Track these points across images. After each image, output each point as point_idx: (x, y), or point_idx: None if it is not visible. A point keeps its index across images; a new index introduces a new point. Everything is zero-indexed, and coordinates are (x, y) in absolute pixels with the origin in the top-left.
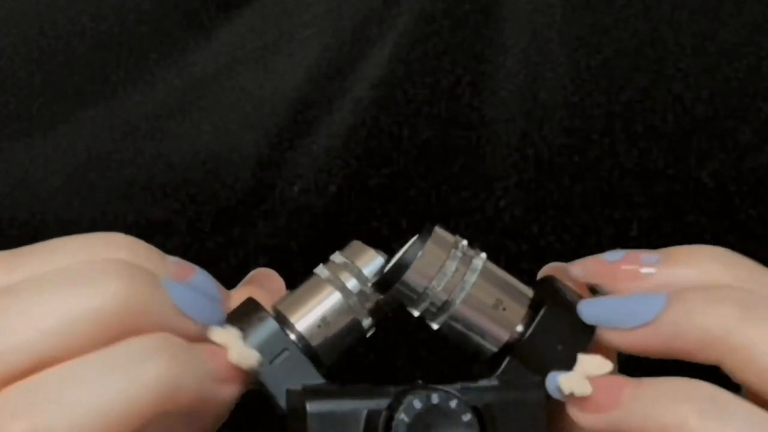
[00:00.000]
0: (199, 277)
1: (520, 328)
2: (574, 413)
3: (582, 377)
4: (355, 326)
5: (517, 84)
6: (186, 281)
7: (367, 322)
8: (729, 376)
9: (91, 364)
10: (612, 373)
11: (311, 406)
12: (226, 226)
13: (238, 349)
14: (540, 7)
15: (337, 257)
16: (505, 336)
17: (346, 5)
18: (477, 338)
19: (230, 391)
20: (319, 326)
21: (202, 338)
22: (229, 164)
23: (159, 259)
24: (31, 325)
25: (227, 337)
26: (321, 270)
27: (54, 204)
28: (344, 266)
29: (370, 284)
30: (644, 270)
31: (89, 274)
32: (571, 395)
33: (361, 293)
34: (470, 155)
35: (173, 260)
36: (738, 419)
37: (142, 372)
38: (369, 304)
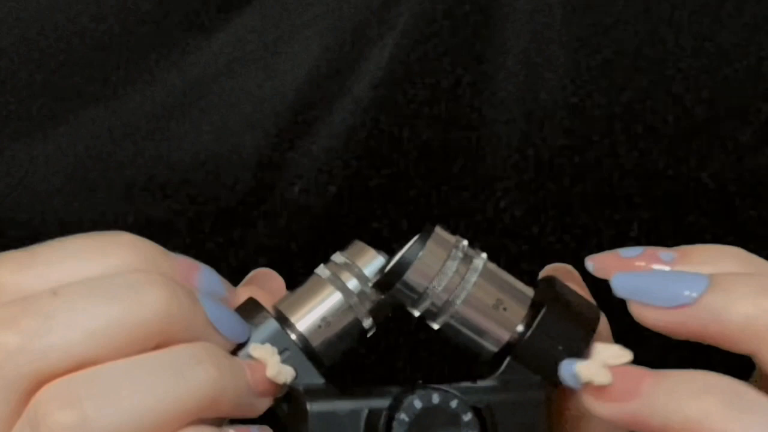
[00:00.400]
0: (205, 273)
1: (520, 329)
2: (589, 402)
3: (601, 366)
4: (355, 326)
5: (517, 85)
6: (196, 279)
7: (367, 322)
8: (761, 367)
9: (142, 364)
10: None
11: (312, 406)
12: (227, 227)
13: (276, 365)
14: (540, 8)
15: (337, 257)
16: (505, 336)
17: (346, 5)
18: (477, 338)
19: (263, 405)
20: (319, 326)
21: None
22: (229, 165)
23: (164, 257)
24: (78, 326)
25: (266, 353)
26: (322, 270)
27: (54, 204)
28: (345, 266)
29: (370, 284)
30: (660, 267)
31: (136, 284)
32: (589, 384)
33: (361, 293)
34: (470, 156)
35: (177, 257)
36: (761, 412)
37: (191, 375)
38: (370, 305)
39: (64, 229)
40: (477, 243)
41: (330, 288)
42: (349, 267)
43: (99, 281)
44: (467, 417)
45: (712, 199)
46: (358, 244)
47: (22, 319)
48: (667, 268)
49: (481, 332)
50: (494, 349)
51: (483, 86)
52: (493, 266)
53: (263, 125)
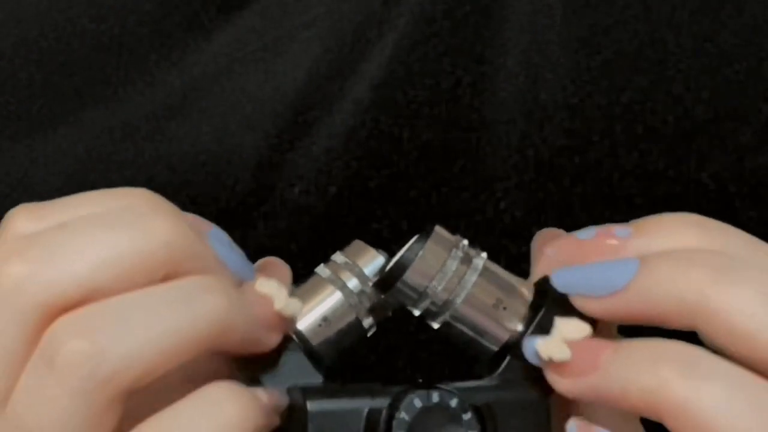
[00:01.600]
0: (216, 232)
1: (520, 328)
2: (553, 379)
3: (560, 341)
4: (355, 326)
5: (517, 85)
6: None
7: (367, 321)
8: (704, 342)
9: (154, 294)
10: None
11: (311, 405)
12: (227, 228)
13: (284, 299)
14: (540, 8)
15: (338, 257)
16: (505, 335)
17: (346, 6)
18: (477, 338)
19: (273, 340)
20: (319, 326)
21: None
22: (229, 165)
23: (177, 209)
24: (85, 255)
25: (272, 287)
26: (322, 269)
27: None
28: (345, 266)
29: (371, 284)
30: (616, 242)
31: (142, 215)
32: (550, 360)
33: (362, 293)
34: (470, 156)
35: (190, 216)
36: (719, 378)
37: (200, 305)
38: (370, 304)
39: None
40: (477, 243)
41: (330, 287)
42: (349, 266)
43: (106, 214)
44: (467, 416)
45: (712, 199)
46: (359, 244)
47: (29, 249)
48: (625, 243)
49: (481, 331)
50: (494, 348)
51: (483, 86)
52: (493, 266)
53: (263, 125)
